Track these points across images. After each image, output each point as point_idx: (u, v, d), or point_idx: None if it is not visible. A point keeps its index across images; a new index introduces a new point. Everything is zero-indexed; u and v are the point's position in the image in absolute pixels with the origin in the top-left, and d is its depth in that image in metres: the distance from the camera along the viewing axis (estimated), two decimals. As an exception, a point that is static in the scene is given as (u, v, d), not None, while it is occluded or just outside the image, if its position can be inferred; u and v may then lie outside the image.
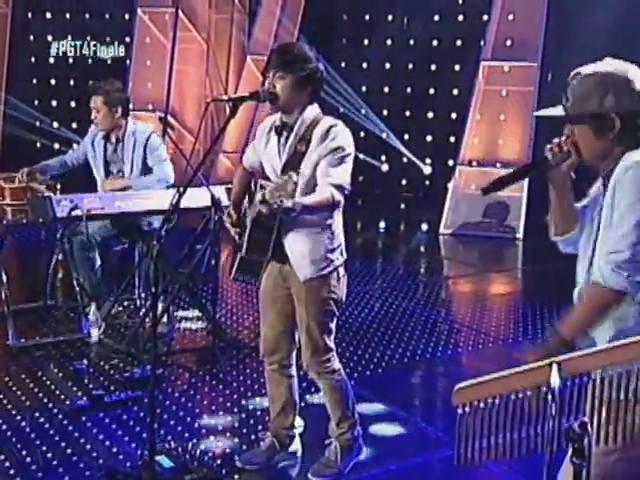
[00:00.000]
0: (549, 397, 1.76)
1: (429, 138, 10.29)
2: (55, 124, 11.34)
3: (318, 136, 3.25)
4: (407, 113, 10.40)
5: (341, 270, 3.40)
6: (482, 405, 1.90)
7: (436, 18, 10.18)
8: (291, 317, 3.45)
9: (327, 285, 3.35)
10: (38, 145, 11.31)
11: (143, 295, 5.39)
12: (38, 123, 11.38)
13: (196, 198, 4.52)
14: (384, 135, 10.11)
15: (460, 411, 1.92)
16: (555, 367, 1.81)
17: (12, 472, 3.54)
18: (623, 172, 2.10)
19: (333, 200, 3.20)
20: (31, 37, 11.49)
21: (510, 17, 9.15)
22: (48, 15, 11.32)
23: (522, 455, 1.91)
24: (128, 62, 10.10)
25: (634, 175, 2.08)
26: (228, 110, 3.21)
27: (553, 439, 1.78)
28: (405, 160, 10.31)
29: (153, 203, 4.84)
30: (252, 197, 3.46)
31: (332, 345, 3.46)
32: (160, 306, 4.93)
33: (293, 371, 3.60)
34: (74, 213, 4.55)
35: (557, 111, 2.26)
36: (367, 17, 10.52)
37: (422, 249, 8.82)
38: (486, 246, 8.54)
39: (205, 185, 4.57)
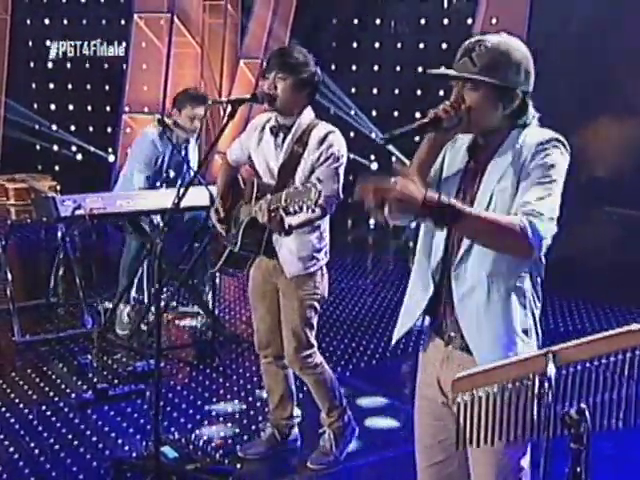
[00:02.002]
0: (545, 385, 1.77)
1: (417, 137, 10.27)
2: (54, 127, 11.29)
3: (315, 140, 3.27)
4: (395, 113, 10.40)
5: (324, 268, 3.43)
6: (480, 394, 1.91)
7: (422, 22, 10.18)
8: (280, 311, 3.45)
9: (312, 282, 3.37)
10: (37, 147, 11.27)
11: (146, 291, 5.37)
12: (37, 126, 11.33)
13: (195, 197, 4.50)
14: (373, 135, 10.11)
15: (459, 400, 1.93)
16: (551, 356, 1.82)
17: (21, 464, 3.54)
18: (538, 144, 2.05)
19: (324, 214, 3.26)
20: (30, 42, 11.43)
21: (494, 21, 9.17)
22: (46, 21, 11.26)
23: (518, 440, 1.92)
24: (125, 66, 10.05)
25: (554, 150, 2.04)
26: (222, 112, 3.21)
27: (549, 425, 1.79)
28: (394, 159, 10.32)
29: (154, 202, 4.83)
30: (242, 194, 3.44)
31: (314, 341, 3.47)
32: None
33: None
34: (77, 213, 4.53)
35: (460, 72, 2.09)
36: (356, 21, 10.51)
37: (411, 244, 8.83)
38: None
39: (204, 184, 4.56)
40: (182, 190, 3.22)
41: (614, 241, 7.94)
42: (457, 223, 1.99)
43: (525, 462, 2.21)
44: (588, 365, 1.84)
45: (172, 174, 5.24)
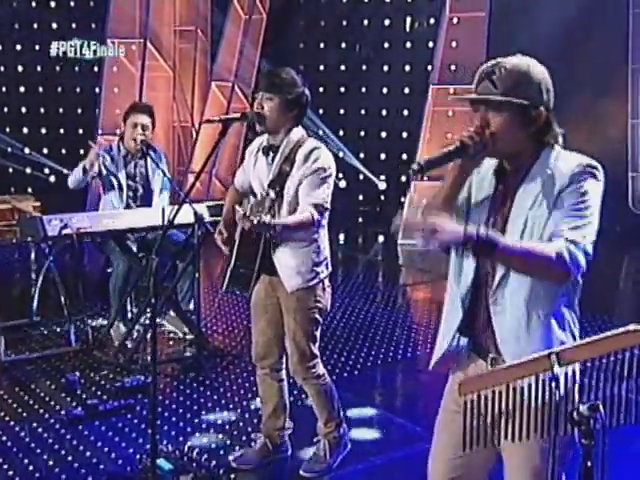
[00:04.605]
0: (552, 384, 1.79)
1: (383, 156, 10.40)
2: (26, 150, 11.17)
3: (301, 157, 3.27)
4: (362, 133, 10.51)
5: (326, 281, 3.42)
6: (486, 395, 1.93)
7: (386, 45, 10.32)
8: (280, 324, 3.45)
9: (313, 295, 3.35)
10: (10, 170, 11.13)
11: (134, 309, 5.31)
12: (9, 149, 11.19)
13: (180, 215, 4.47)
14: (341, 154, 10.17)
15: (466, 401, 1.94)
16: (554, 357, 1.85)
17: (17, 480, 3.47)
18: (573, 172, 2.03)
19: (313, 220, 3.23)
20: (1, 68, 11.31)
21: (454, 44, 9.33)
22: (18, 47, 11.15)
23: (523, 440, 1.94)
24: (97, 90, 10.00)
25: (590, 178, 2.04)
26: (195, 134, 3.21)
27: (556, 423, 1.81)
28: (361, 177, 10.40)
29: (139, 220, 4.79)
30: None
31: (317, 352, 3.46)
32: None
33: (283, 375, 3.59)
34: (64, 232, 4.48)
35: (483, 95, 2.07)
36: (322, 45, 10.63)
37: (380, 258, 8.88)
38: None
39: (189, 203, 4.53)
40: (175, 208, 3.22)
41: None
42: (494, 255, 2.01)
43: None
44: (589, 365, 1.88)
45: (140, 191, 5.21)
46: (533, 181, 2.09)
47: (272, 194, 3.20)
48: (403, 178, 9.78)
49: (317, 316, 3.38)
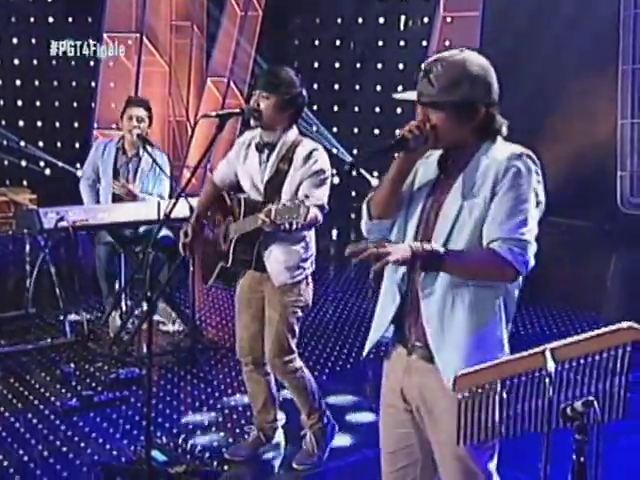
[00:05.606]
0: (546, 380, 1.80)
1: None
2: (22, 143, 11.11)
3: (300, 158, 3.26)
4: (355, 130, 10.49)
5: (309, 277, 3.42)
6: (480, 390, 1.93)
7: (380, 43, 10.31)
8: (264, 318, 3.43)
9: (297, 290, 3.36)
10: (6, 163, 11.07)
11: (129, 301, 5.29)
12: (5, 142, 11.14)
13: (175, 209, 4.45)
14: (334, 150, 10.15)
15: (460, 396, 1.94)
16: (549, 353, 1.85)
17: (11, 471, 3.45)
18: (508, 162, 2.03)
19: (316, 220, 3.23)
20: (-2, 61, 11.24)
21: (447, 43, 9.34)
22: (14, 40, 11.07)
23: (517, 435, 1.95)
24: (94, 84, 9.96)
25: (524, 168, 2.03)
26: (190, 130, 3.19)
27: (549, 419, 1.82)
28: (354, 173, 10.37)
29: (135, 214, 4.77)
30: (232, 212, 3.41)
31: (294, 347, 3.44)
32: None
33: (268, 369, 3.55)
34: (60, 225, 4.46)
35: (417, 95, 2.09)
36: (317, 42, 10.61)
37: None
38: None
39: (184, 197, 4.51)
40: (172, 202, 3.21)
41: (561, 250, 8.12)
42: (442, 268, 2.03)
43: (492, 466, 2.20)
44: (583, 361, 1.88)
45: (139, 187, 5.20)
46: (471, 172, 2.09)
47: (307, 202, 3.04)
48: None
49: (299, 311, 3.38)
